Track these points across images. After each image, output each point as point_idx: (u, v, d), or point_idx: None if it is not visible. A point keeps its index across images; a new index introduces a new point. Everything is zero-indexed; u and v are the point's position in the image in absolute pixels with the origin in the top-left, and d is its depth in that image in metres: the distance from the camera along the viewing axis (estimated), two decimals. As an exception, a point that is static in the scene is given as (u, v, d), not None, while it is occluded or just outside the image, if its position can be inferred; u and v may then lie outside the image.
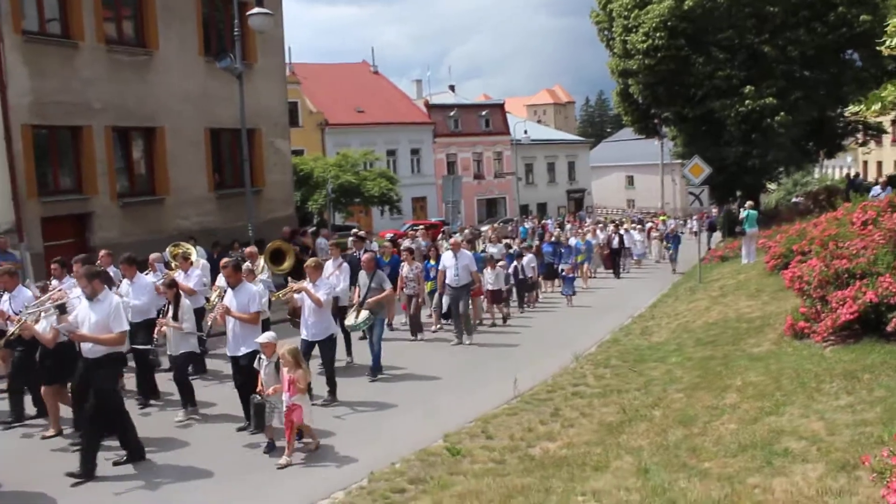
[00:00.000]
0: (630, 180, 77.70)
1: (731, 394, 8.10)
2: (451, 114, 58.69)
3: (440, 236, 25.75)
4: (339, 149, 47.42)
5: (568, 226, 33.53)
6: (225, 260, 9.99)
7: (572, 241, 23.51)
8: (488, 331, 16.07)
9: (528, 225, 36.55)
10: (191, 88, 21.01)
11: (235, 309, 9.03)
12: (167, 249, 14.59)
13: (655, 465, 6.13)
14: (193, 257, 13.66)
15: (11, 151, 16.72)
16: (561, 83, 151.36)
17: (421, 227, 38.42)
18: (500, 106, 64.41)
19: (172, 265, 13.62)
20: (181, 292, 10.07)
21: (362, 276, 12.06)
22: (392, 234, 36.21)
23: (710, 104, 29.80)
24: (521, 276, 18.66)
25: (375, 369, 11.70)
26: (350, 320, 11.84)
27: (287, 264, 14.60)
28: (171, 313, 9.64)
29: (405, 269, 15.39)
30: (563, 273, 19.99)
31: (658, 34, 29.19)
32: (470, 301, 15.02)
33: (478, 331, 15.41)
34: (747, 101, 28.38)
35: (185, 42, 21.00)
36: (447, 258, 14.78)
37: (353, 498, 6.69)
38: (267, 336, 8.54)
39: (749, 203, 23.24)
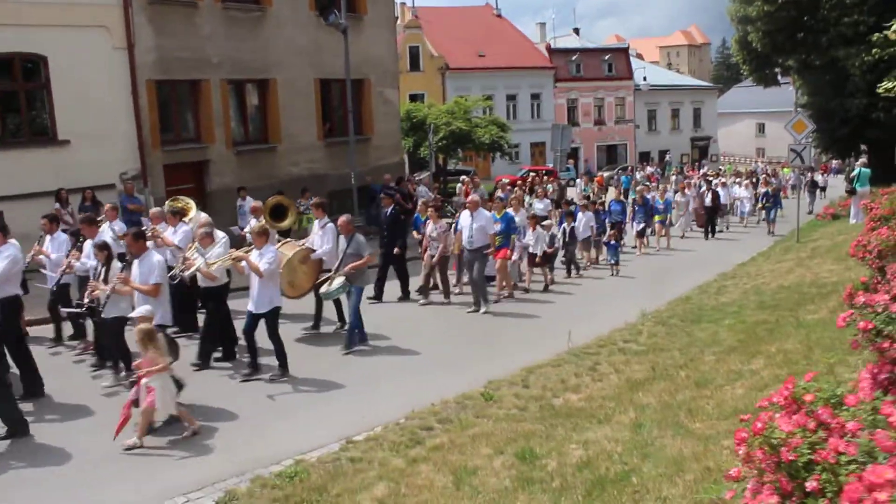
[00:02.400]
0: (761, 128, 74.64)
1: (759, 359, 8.41)
2: (574, 58, 57.98)
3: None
4: (459, 93, 48.03)
5: (673, 178, 32.41)
6: (128, 230, 9.71)
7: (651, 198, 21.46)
8: (550, 289, 15.72)
9: (639, 174, 36.10)
10: (302, 41, 22.07)
11: (137, 279, 8.70)
12: (166, 204, 13.79)
13: (650, 422, 6.65)
14: (191, 214, 13.13)
15: (138, 105, 18.37)
16: (697, 23, 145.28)
17: (533, 173, 38.98)
18: (625, 50, 63.04)
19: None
20: (112, 254, 9.41)
21: (340, 241, 11.43)
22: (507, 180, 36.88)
23: (835, 52, 28.52)
24: (567, 239, 16.92)
25: (350, 341, 10.95)
26: (324, 287, 11.27)
27: (288, 221, 13.91)
28: (102, 276, 9.12)
29: (429, 227, 14.23)
30: (606, 239, 17.91)
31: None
32: (497, 265, 14.23)
33: (514, 296, 14.65)
34: (874, 50, 26.98)
35: (297, -4, 22.04)
36: (464, 217, 13.67)
37: (387, 431, 7.53)
38: (141, 310, 8.13)
39: (861, 160, 22.46)
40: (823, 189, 32.35)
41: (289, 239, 12.89)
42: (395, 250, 14.19)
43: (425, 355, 10.85)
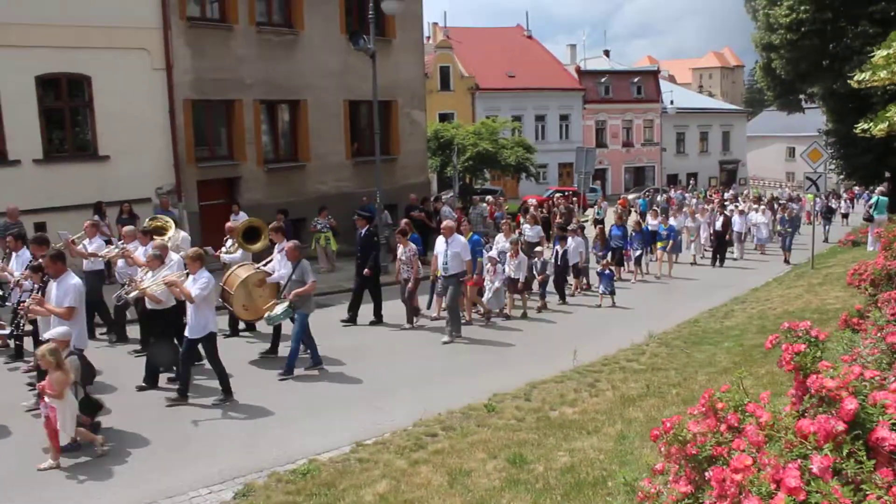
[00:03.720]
0: (791, 152, 74.51)
1: (748, 380, 8.91)
2: (603, 80, 58.55)
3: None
4: (488, 113, 48.80)
5: (694, 201, 32.46)
6: (44, 250, 9.70)
7: (653, 224, 21.30)
8: (560, 308, 16.33)
9: (661, 197, 36.50)
10: (332, 64, 22.89)
11: (53, 301, 8.64)
12: (145, 222, 13.93)
13: (633, 434, 7.22)
14: (169, 233, 13.35)
15: (174, 123, 19.28)
16: (731, 45, 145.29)
17: (558, 193, 39.51)
18: (654, 72, 63.54)
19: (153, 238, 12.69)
20: (51, 277, 9.11)
21: (286, 266, 11.37)
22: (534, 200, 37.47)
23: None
24: (559, 263, 16.80)
25: (289, 368, 10.84)
26: (267, 312, 11.25)
27: (260, 244, 13.34)
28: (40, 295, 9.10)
29: (399, 250, 14.19)
30: (600, 269, 17.13)
31: (803, 7, 28.51)
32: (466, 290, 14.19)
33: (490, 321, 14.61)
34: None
35: (328, 21, 22.87)
36: (439, 243, 13.47)
37: (394, 436, 8.15)
38: (55, 332, 8.07)
39: (880, 189, 22.79)
40: (846, 216, 32.52)
41: (245, 262, 12.85)
42: (366, 271, 14.13)
43: (436, 369, 11.48)
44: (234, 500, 6.69)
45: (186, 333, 9.54)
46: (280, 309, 11.02)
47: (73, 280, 8.81)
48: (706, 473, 3.15)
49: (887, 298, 10.44)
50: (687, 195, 38.27)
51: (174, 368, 10.23)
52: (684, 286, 19.50)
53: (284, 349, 11.42)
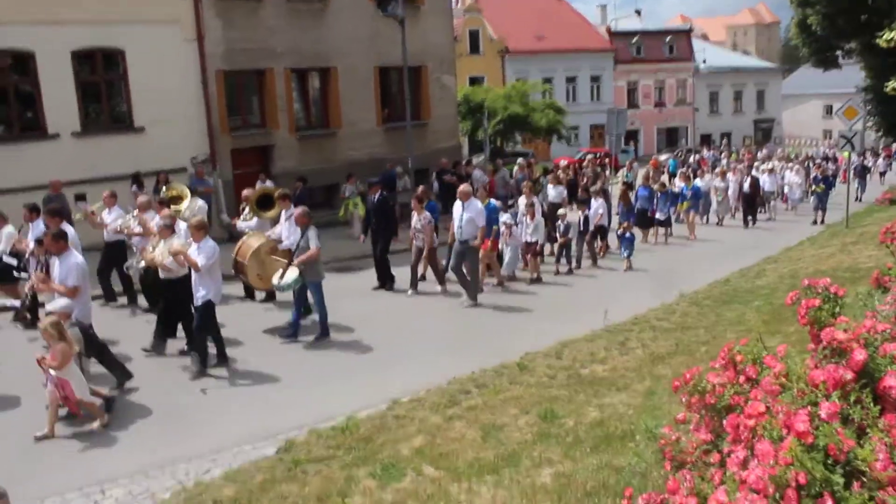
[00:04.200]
0: (828, 109, 73.06)
1: (777, 338, 9.02)
2: (634, 40, 57.76)
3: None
4: (518, 76, 48.59)
5: (724, 161, 32.08)
6: (48, 230, 9.70)
7: (678, 186, 21.11)
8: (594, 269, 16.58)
9: (693, 157, 36.19)
10: (361, 31, 22.95)
11: (56, 280, 8.77)
12: (162, 190, 13.99)
13: (662, 390, 7.40)
14: (185, 202, 13.54)
15: (207, 93, 19.57)
16: (766, 1, 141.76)
17: (590, 155, 39.34)
18: (686, 31, 62.51)
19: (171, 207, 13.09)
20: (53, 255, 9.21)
21: (296, 233, 11.24)
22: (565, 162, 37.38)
23: (899, 34, 28.14)
24: (583, 228, 16.57)
25: (324, 331, 11.08)
26: (275, 279, 11.15)
27: (274, 211, 13.18)
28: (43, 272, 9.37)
29: (414, 218, 13.94)
30: (619, 231, 16.91)
31: None
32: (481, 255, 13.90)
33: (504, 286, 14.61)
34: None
35: (357, -12, 22.93)
36: (455, 208, 13.32)
37: (429, 394, 8.41)
38: (57, 304, 8.30)
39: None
40: (883, 174, 32.02)
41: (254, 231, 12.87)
42: (395, 238, 14.53)
43: (465, 332, 11.74)
44: (276, 454, 6.99)
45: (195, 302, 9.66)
46: (290, 277, 10.91)
47: (75, 259, 8.82)
48: (723, 421, 3.34)
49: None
50: (717, 155, 37.82)
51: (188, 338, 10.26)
52: (712, 248, 19.32)
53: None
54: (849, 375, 2.86)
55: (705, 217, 22.29)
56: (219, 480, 6.53)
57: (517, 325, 12.01)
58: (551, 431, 6.64)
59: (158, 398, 8.79)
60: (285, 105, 21.50)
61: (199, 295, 9.51)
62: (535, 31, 53.64)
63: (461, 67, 45.40)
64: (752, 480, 2.57)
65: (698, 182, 21.79)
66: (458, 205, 13.23)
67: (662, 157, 40.04)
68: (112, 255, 12.66)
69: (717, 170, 24.49)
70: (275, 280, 11.13)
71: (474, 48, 50.91)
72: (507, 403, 7.66)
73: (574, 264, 16.30)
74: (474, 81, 45.56)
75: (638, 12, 67.39)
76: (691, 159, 34.93)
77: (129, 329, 11.61)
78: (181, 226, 11.06)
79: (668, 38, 59.29)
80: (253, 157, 20.99)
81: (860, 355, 2.95)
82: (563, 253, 16.06)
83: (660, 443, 3.67)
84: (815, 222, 22.40)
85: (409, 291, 14.02)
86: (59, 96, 17.59)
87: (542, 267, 15.60)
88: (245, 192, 14.13)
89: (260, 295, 13.58)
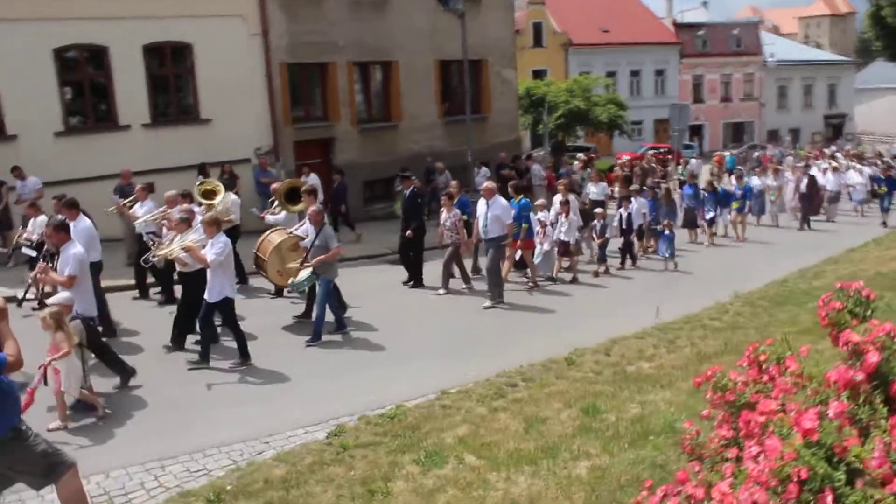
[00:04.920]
0: (904, 104, 70.82)
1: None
2: (700, 33, 56.86)
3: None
4: (581, 69, 48.31)
5: (790, 158, 31.16)
6: (50, 221, 9.47)
7: (731, 185, 20.51)
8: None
9: (756, 154, 35.54)
10: (423, 25, 23.20)
11: (58, 270, 8.74)
12: (195, 187, 13.88)
13: (705, 389, 7.45)
14: (219, 196, 13.38)
15: (271, 86, 20.09)
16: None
17: (651, 150, 38.96)
18: (755, 24, 61.33)
19: (201, 203, 13.12)
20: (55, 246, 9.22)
21: (311, 231, 11.10)
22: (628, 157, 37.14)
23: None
24: (623, 227, 16.33)
25: (316, 334, 10.72)
26: (290, 278, 11.14)
27: (302, 205, 12.90)
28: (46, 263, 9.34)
29: (443, 215, 13.75)
30: (659, 229, 16.53)
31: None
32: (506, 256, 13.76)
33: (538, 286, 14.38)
34: None
35: (419, -18, 23.18)
36: (480, 206, 13.00)
37: (477, 386, 8.60)
38: (59, 297, 8.23)
39: None
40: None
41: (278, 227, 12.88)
42: (408, 233, 14.03)
43: (516, 326, 11.92)
44: (326, 438, 7.27)
45: (205, 296, 9.57)
46: (303, 276, 10.85)
47: (74, 250, 8.76)
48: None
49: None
50: (784, 151, 36.97)
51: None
52: (760, 250, 18.78)
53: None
54: (859, 377, 2.96)
55: (759, 217, 21.63)
56: (270, 461, 6.83)
57: (559, 323, 12.08)
58: (592, 426, 6.78)
59: (213, 384, 9.19)
60: (347, 98, 21.90)
61: (215, 291, 9.45)
62: (599, 24, 53.20)
63: (524, 60, 45.49)
64: (755, 474, 2.70)
65: (756, 181, 21.26)
66: (482, 202, 12.94)
67: (727, 154, 39.48)
68: (144, 247, 12.84)
69: (770, 167, 23.56)
70: (290, 280, 11.11)
71: (538, 41, 50.73)
72: (552, 397, 7.81)
73: (608, 264, 15.90)
74: (537, 75, 45.42)
75: (704, 4, 66.42)
76: (754, 155, 34.24)
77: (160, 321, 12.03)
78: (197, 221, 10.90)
79: (735, 31, 58.16)
80: (315, 149, 21.43)
81: (873, 357, 3.04)
82: (602, 253, 15.82)
83: (682, 438, 3.79)
84: (884, 224, 21.63)
85: (441, 290, 13.74)
86: (130, 89, 18.30)
87: (579, 267, 15.48)
88: (273, 186, 14.11)
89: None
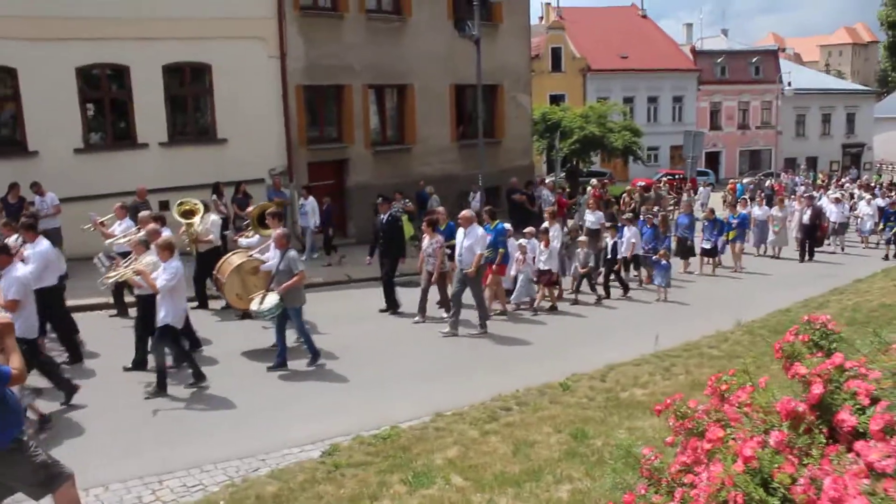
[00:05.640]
0: (923, 134, 70.45)
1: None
2: (719, 60, 56.99)
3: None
4: (599, 94, 48.61)
5: (801, 188, 30.92)
6: (33, 237, 9.70)
7: (723, 215, 20.22)
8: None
9: (769, 182, 35.51)
10: (438, 49, 23.49)
11: (3, 292, 8.46)
12: (174, 209, 13.75)
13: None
14: (197, 217, 13.30)
15: (287, 108, 20.43)
16: (866, 21, 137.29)
17: (665, 176, 39.02)
18: (774, 52, 61.42)
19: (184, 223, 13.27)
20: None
21: (276, 255, 10.73)
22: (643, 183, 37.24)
23: None
24: (609, 256, 16.20)
25: (313, 355, 10.69)
26: (254, 305, 10.69)
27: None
28: None
29: (425, 242, 13.43)
30: (654, 258, 16.17)
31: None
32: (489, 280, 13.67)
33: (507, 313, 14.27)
34: None
35: (436, 7, 23.52)
36: (458, 234, 12.75)
37: (472, 409, 8.75)
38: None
39: None
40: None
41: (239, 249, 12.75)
42: (367, 260, 14.20)
43: (516, 352, 12.06)
44: (320, 457, 7.43)
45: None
46: (270, 303, 10.40)
47: (17, 272, 8.73)
48: (699, 444, 3.60)
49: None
50: (797, 180, 36.88)
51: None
52: (760, 281, 18.44)
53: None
54: (801, 408, 3.11)
55: (762, 248, 21.57)
56: (264, 478, 7.01)
57: (551, 350, 12.02)
58: (579, 450, 6.91)
59: (218, 402, 9.39)
60: (361, 120, 22.20)
61: (160, 317, 9.34)
62: (618, 50, 53.48)
63: (542, 85, 45.87)
64: (696, 497, 2.85)
65: (749, 210, 21.05)
66: (459, 231, 12.72)
67: (745, 181, 39.43)
68: (207, 261, 13.10)
69: (776, 198, 23.28)
70: (254, 306, 10.69)
71: (556, 66, 51.08)
72: (544, 421, 7.96)
73: (602, 293, 15.76)
74: (555, 99, 45.67)
75: (724, 32, 66.45)
76: (766, 184, 34.22)
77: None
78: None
79: (754, 59, 58.26)
80: (329, 171, 21.71)
81: (817, 389, 3.18)
82: (582, 283, 15.49)
83: (642, 463, 3.93)
84: (885, 257, 21.34)
85: (417, 318, 13.45)
86: (149, 108, 18.68)
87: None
88: (249, 210, 14.04)
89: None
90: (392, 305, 14.13)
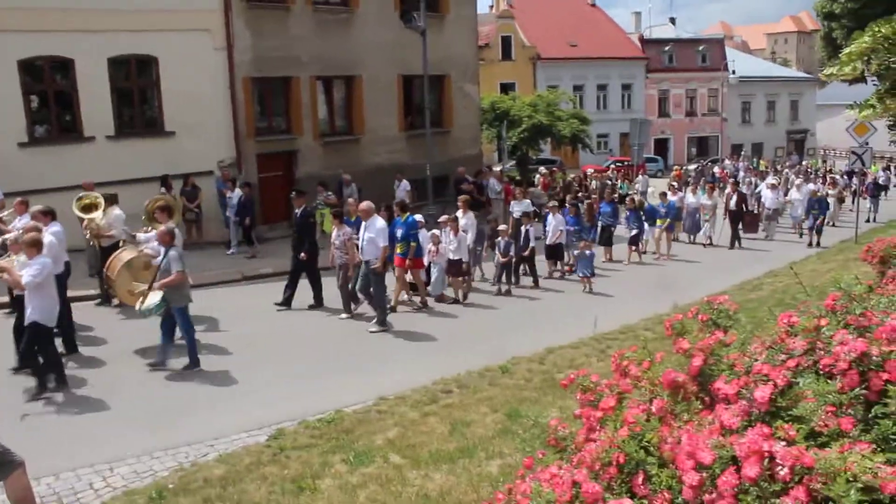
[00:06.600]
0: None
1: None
2: (666, 48, 57.88)
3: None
4: (550, 83, 49.12)
5: (741, 174, 31.65)
6: None
7: (655, 202, 20.27)
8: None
9: (716, 169, 36.38)
10: (386, 40, 23.68)
11: None
12: (73, 203, 13.36)
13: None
14: (97, 212, 13.03)
15: (235, 100, 20.50)
16: (810, 9, 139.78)
17: (616, 162, 39.65)
18: (720, 40, 62.57)
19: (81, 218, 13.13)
20: None
21: (160, 251, 10.44)
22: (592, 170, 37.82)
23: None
24: (523, 243, 15.81)
25: (193, 361, 10.22)
26: (137, 303, 10.46)
27: (175, 220, 12.74)
28: None
29: (333, 234, 13.10)
30: (580, 250, 15.93)
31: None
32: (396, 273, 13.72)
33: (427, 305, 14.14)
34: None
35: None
36: (362, 227, 12.60)
37: (414, 392, 9.09)
38: None
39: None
40: (885, 188, 30.88)
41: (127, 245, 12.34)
42: (302, 256, 13.41)
43: (458, 338, 12.42)
44: (266, 441, 7.72)
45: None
46: (152, 301, 10.21)
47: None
48: (595, 413, 3.99)
49: (893, 276, 10.97)
50: (739, 165, 37.76)
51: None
52: (692, 267, 18.64)
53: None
54: (680, 378, 3.50)
55: (692, 236, 21.70)
56: (212, 462, 7.29)
57: (479, 339, 12.22)
58: (512, 429, 7.30)
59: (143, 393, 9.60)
60: (310, 111, 22.34)
61: (27, 314, 8.91)
62: (567, 38, 54.05)
63: (493, 73, 46.22)
64: (584, 458, 3.22)
65: (681, 198, 21.04)
66: (362, 224, 12.55)
67: (692, 167, 40.25)
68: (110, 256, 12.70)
69: (707, 185, 23.49)
70: (137, 305, 10.44)
71: (506, 54, 51.44)
72: (481, 402, 8.34)
73: (511, 281, 15.57)
74: (505, 88, 46.05)
75: (672, 20, 67.52)
76: (716, 170, 35.02)
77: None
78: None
79: (700, 47, 59.29)
80: (278, 162, 21.86)
81: (697, 361, 3.58)
82: (504, 272, 15.39)
83: (549, 435, 4.30)
84: (810, 244, 21.39)
85: (343, 314, 13.19)
86: (95, 101, 18.59)
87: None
88: (146, 204, 13.70)
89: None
90: (317, 299, 13.83)
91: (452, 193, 23.96)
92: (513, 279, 15.78)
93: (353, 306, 13.29)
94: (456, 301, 14.55)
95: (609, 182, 24.98)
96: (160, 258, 10.32)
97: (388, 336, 12.31)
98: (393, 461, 6.75)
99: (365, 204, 12.93)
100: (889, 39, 8.70)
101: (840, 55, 10.09)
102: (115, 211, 13.46)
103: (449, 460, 6.58)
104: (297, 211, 13.98)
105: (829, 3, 30.51)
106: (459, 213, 15.39)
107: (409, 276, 14.21)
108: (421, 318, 13.60)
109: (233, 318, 12.96)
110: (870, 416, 2.87)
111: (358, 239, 12.73)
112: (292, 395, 9.33)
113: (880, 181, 29.75)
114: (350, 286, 13.09)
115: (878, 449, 2.65)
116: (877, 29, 8.78)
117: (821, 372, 3.13)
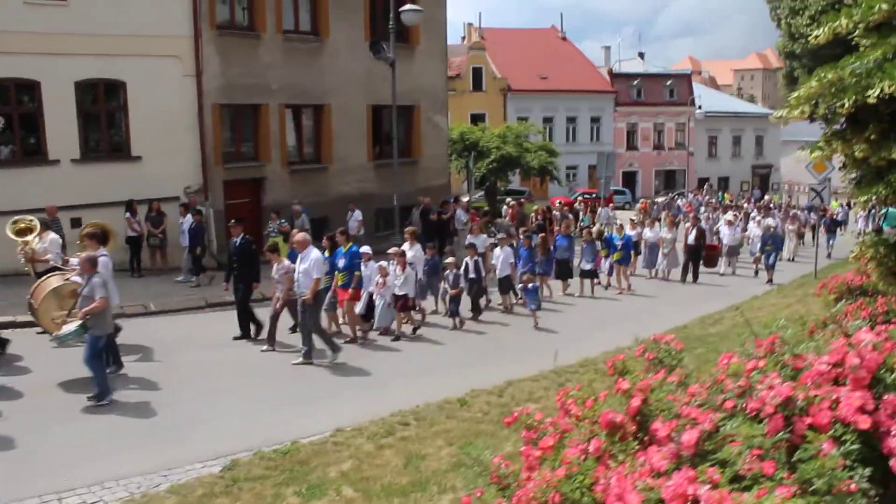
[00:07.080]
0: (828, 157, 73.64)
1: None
2: (635, 83, 58.79)
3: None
4: (520, 114, 49.70)
5: (702, 209, 32.13)
6: None
7: (632, 234, 20.29)
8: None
9: (682, 202, 36.86)
10: (356, 70, 23.85)
11: None
12: (7, 227, 13.28)
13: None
14: (32, 235, 12.99)
15: (203, 126, 20.51)
16: (775, 47, 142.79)
17: (584, 195, 40.02)
18: (687, 76, 63.65)
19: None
20: None
21: (84, 279, 10.16)
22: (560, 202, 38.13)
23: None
24: (472, 277, 15.42)
25: (102, 392, 9.84)
26: (55, 331, 10.35)
27: (110, 247, 12.62)
28: None
29: (273, 268, 12.69)
30: (522, 284, 15.98)
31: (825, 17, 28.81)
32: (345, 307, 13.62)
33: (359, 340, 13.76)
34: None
35: (353, 29, 23.89)
36: (298, 259, 12.26)
37: (371, 424, 9.07)
38: None
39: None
40: (842, 224, 31.25)
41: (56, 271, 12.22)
42: (224, 286, 13.68)
43: (428, 363, 12.45)
44: (220, 472, 7.67)
45: None
46: (70, 328, 9.99)
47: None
48: (535, 452, 4.05)
49: (846, 312, 11.18)
50: (700, 199, 38.29)
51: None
52: (643, 303, 18.47)
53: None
54: (618, 419, 3.57)
55: (653, 270, 21.61)
56: (163, 493, 7.23)
57: (438, 371, 12.34)
58: (466, 462, 7.31)
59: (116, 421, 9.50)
60: (278, 140, 22.38)
61: None
62: (538, 71, 54.69)
63: (463, 104, 46.64)
64: (522, 497, 3.28)
65: (637, 232, 21.01)
66: (298, 256, 12.26)
67: (660, 200, 40.71)
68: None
69: (666, 218, 23.62)
70: (54, 331, 10.27)
71: (477, 85, 51.93)
72: (438, 435, 8.37)
73: (461, 316, 15.24)
74: (476, 118, 46.47)
75: (641, 55, 68.64)
76: (678, 203, 35.49)
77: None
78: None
79: (668, 82, 60.28)
80: (245, 189, 21.84)
81: (636, 402, 3.66)
82: (454, 306, 15.12)
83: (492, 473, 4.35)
84: (769, 281, 21.00)
85: (265, 347, 12.89)
86: (61, 124, 18.51)
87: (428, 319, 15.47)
88: (85, 231, 13.30)
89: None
90: (246, 332, 13.54)
91: (418, 223, 24.07)
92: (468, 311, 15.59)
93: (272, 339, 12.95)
94: (398, 337, 14.09)
95: (568, 216, 25.01)
96: (83, 286, 10.08)
97: (346, 367, 12.23)
98: (345, 494, 6.76)
99: (300, 235, 12.66)
100: (834, 85, 8.87)
101: (789, 98, 10.28)
102: (51, 235, 13.45)
103: (401, 494, 6.59)
104: (235, 240, 13.58)
105: (790, 42, 31.27)
106: (406, 246, 15.26)
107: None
108: (369, 351, 13.39)
109: (193, 346, 12.92)
110: (792, 459, 2.96)
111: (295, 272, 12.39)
112: (249, 425, 9.29)
113: (838, 217, 30.32)
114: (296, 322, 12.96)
115: (799, 492, 2.74)
116: (823, 74, 8.97)
117: (748, 416, 3.22)
